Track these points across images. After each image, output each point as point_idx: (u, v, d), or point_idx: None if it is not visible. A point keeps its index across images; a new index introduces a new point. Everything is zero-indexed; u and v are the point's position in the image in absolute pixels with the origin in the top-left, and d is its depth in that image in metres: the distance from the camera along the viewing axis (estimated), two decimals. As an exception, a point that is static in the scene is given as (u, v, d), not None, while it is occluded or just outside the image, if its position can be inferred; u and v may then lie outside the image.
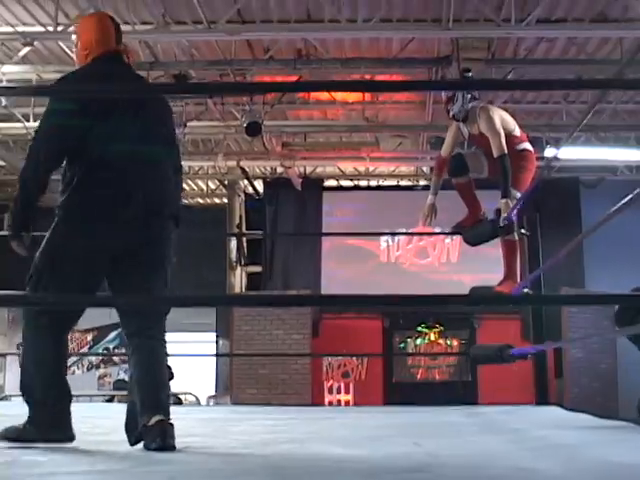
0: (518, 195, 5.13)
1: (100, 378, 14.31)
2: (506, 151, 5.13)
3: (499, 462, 2.52)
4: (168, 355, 3.45)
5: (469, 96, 5.35)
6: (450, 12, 7.92)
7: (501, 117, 5.33)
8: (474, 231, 5.62)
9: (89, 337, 14.48)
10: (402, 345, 13.04)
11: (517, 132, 5.38)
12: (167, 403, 3.16)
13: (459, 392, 12.27)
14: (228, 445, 3.18)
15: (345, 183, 14.36)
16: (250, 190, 13.89)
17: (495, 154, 5.13)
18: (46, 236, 3.26)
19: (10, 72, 9.14)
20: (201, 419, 5.06)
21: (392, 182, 14.27)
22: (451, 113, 5.38)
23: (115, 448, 2.99)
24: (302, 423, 4.45)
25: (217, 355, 13.05)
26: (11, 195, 14.72)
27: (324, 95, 10.46)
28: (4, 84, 9.28)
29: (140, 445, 2.99)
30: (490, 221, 5.38)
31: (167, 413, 3.03)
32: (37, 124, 3.45)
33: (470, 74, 8.69)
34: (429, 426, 4.35)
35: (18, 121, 10.70)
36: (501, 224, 5.16)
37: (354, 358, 12.56)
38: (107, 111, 3.18)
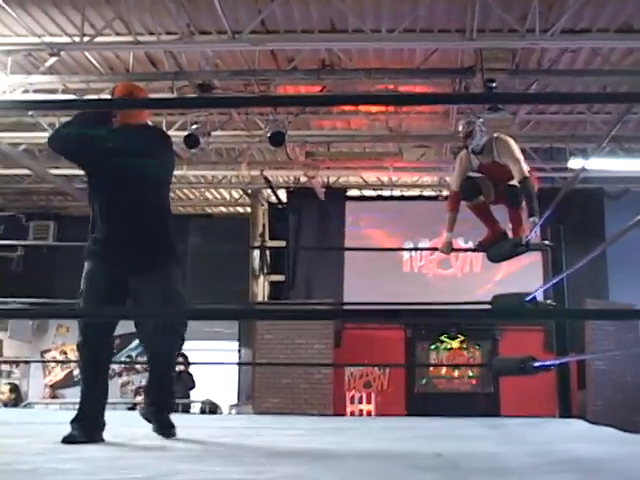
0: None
1: (122, 386, 14.36)
2: (528, 174, 5.50)
3: (522, 476, 2.51)
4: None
5: (484, 129, 5.73)
6: (474, 22, 7.92)
7: (516, 146, 5.71)
8: (497, 249, 5.80)
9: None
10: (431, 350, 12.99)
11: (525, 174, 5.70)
12: None
13: (481, 403, 12.21)
14: (250, 454, 3.18)
15: (368, 193, 14.35)
16: (273, 199, 13.93)
17: (518, 178, 5.49)
18: None
19: (37, 82, 9.22)
20: (223, 427, 5.07)
21: (415, 192, 14.25)
22: (470, 147, 5.70)
23: (136, 456, 3.01)
24: (324, 433, 4.45)
25: (239, 364, 13.06)
26: (37, 204, 14.91)
27: (348, 105, 10.47)
28: (31, 94, 9.37)
29: (163, 453, 3.03)
30: (512, 240, 5.55)
31: None
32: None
33: (494, 85, 8.73)
34: (452, 438, 4.34)
35: (44, 130, 10.80)
36: (524, 242, 5.38)
37: (376, 368, 12.54)
38: None
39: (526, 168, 5.61)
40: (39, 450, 3.17)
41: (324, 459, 3.01)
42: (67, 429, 3.63)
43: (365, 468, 2.70)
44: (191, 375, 11.46)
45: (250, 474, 2.46)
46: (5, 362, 13.49)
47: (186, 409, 11.22)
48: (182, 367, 11.29)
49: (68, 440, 3.57)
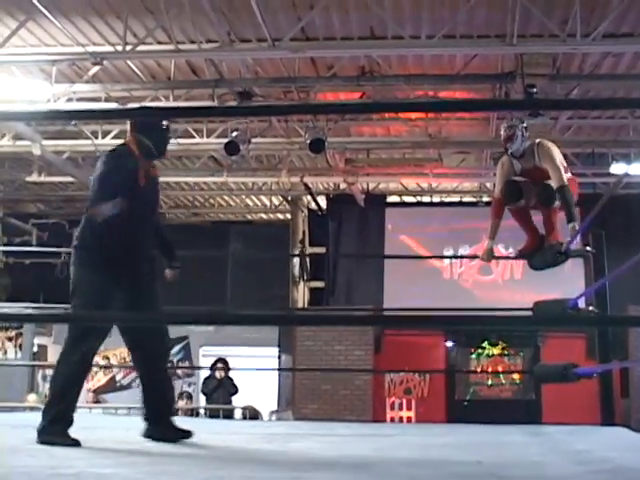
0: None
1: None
2: (566, 183, 5.47)
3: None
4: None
5: (527, 134, 5.68)
6: (514, 28, 7.87)
7: (558, 152, 5.68)
8: (539, 258, 5.78)
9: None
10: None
11: (564, 163, 5.75)
12: None
13: (522, 411, 12.11)
14: (289, 461, 3.19)
15: (408, 199, 14.33)
16: (313, 206, 13.96)
17: (556, 185, 5.46)
18: None
19: (80, 91, 9.34)
20: (264, 433, 5.09)
21: (455, 198, 14.21)
22: (510, 151, 5.62)
23: (180, 462, 3.04)
24: (364, 440, 4.45)
25: (279, 370, 13.09)
26: (80, 211, 15.00)
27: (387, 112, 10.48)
28: (74, 102, 9.50)
29: (204, 459, 3.06)
30: (553, 248, 5.53)
31: None
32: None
33: (534, 90, 8.67)
34: (492, 445, 4.32)
35: (87, 138, 10.95)
36: (563, 250, 5.36)
37: (416, 375, 12.50)
38: None
39: (566, 176, 5.57)
40: (82, 455, 3.21)
41: (363, 467, 3.01)
42: (112, 433, 3.67)
43: (404, 476, 2.70)
44: (232, 380, 11.48)
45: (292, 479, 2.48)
46: (51, 367, 13.61)
47: (228, 415, 11.21)
48: (223, 373, 11.30)
49: (47, 442, 3.66)
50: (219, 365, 11.37)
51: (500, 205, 5.87)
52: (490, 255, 5.93)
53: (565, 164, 5.71)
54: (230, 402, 11.54)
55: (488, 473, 2.74)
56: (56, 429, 3.79)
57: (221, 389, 11.38)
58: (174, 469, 2.80)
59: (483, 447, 4.17)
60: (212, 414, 11.25)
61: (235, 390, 11.43)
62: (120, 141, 10.85)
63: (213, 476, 2.58)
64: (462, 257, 13.18)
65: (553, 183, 5.49)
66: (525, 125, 5.79)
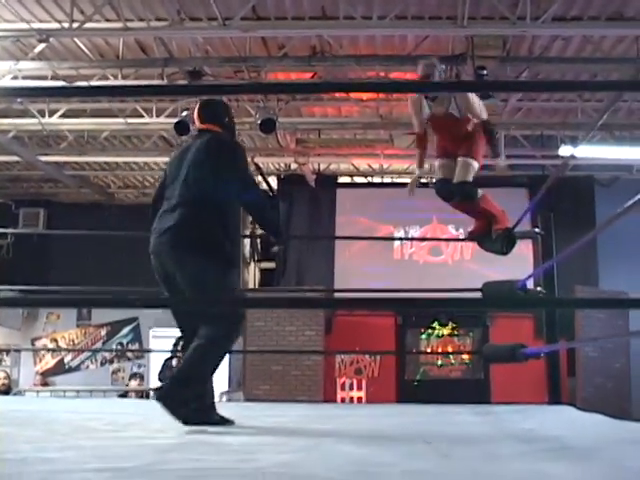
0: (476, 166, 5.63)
1: (114, 373, 14.37)
2: (485, 117, 5.58)
3: (511, 464, 2.52)
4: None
5: (444, 76, 5.68)
6: (465, 10, 7.91)
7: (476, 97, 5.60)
8: (489, 245, 5.91)
9: (103, 332, 14.53)
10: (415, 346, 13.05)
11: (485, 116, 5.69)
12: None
13: (472, 390, 12.26)
14: (242, 442, 3.18)
15: (359, 180, 14.35)
16: (264, 186, 13.87)
17: (477, 119, 5.55)
18: None
19: (26, 68, 9.16)
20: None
21: (406, 179, 14.23)
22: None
23: (129, 444, 3.01)
24: (314, 421, 4.45)
25: (230, 352, 13.06)
26: (27, 190, 14.87)
27: (336, 92, 10.46)
28: (19, 80, 9.32)
29: (154, 441, 3.04)
30: (500, 238, 5.63)
31: None
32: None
33: (485, 72, 8.71)
34: (441, 425, 4.35)
35: (33, 117, 10.75)
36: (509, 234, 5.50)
37: (367, 355, 12.57)
38: None
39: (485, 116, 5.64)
40: (29, 439, 3.17)
41: (314, 448, 3.01)
42: (59, 416, 3.62)
43: (355, 456, 2.70)
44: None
45: (239, 462, 2.46)
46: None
47: None
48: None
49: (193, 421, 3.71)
50: (181, 342, 11.11)
51: (421, 139, 6.00)
52: (413, 186, 5.95)
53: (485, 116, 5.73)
54: None
55: (435, 452, 2.76)
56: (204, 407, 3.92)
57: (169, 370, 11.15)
58: (120, 452, 2.77)
59: (431, 427, 4.20)
60: None
61: None
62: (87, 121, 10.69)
63: (161, 460, 2.56)
64: (412, 239, 13.24)
65: (475, 117, 5.55)
66: (444, 68, 5.73)
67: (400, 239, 13.34)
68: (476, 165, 5.75)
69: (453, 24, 8.21)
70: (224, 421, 3.97)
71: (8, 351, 13.65)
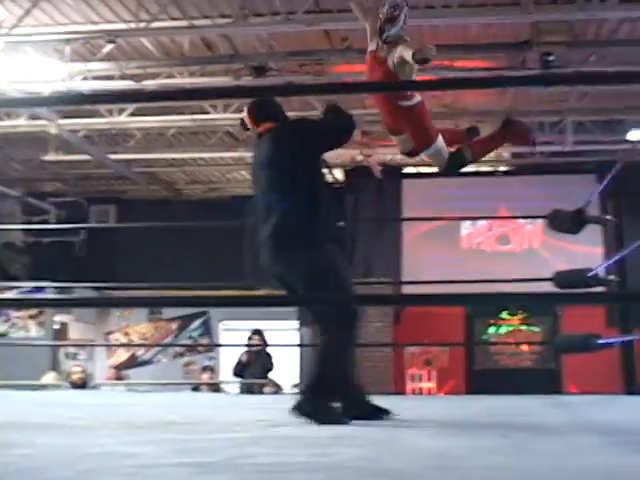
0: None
1: (185, 366, 14.57)
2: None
3: (593, 457, 2.50)
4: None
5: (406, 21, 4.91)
6: (530, -5, 7.81)
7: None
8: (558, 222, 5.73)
9: (174, 326, 14.75)
10: (485, 337, 12.96)
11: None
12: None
13: (543, 380, 12.14)
14: (319, 436, 3.21)
15: (424, 170, 14.27)
16: (330, 179, 13.91)
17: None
18: None
19: (95, 69, 9.34)
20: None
21: (472, 168, 14.12)
22: (386, 34, 4.87)
23: (208, 438, 3.06)
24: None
25: (300, 345, 13.11)
26: (97, 188, 15.16)
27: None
28: (89, 81, 9.51)
29: (233, 435, 3.08)
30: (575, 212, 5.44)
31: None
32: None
33: (551, 58, 8.59)
34: (516, 416, 4.33)
35: (102, 116, 10.96)
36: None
37: (436, 346, 12.53)
38: None
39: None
40: (111, 433, 3.25)
41: (391, 441, 3.03)
42: (137, 410, 3.70)
43: (433, 450, 2.71)
44: (270, 356, 10.86)
45: (318, 457, 2.49)
46: (75, 345, 13.77)
47: (261, 390, 10.56)
48: (260, 346, 10.71)
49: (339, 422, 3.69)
50: (255, 337, 10.82)
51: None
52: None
53: None
54: (265, 378, 10.81)
55: (514, 446, 2.75)
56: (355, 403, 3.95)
57: (256, 363, 10.73)
58: (200, 446, 2.82)
59: (507, 418, 4.18)
60: (248, 390, 10.59)
61: (271, 367, 10.85)
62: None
63: (241, 454, 2.59)
64: (483, 218, 12.97)
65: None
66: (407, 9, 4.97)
67: (471, 219, 13.11)
68: (437, 144, 5.08)
69: (518, 10, 8.11)
70: (381, 412, 3.96)
71: (84, 346, 13.94)
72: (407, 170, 14.05)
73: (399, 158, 13.62)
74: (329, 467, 2.29)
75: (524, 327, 12.92)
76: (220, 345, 14.12)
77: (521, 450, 2.65)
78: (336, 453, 2.58)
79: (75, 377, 10.58)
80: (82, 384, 10.81)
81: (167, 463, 2.37)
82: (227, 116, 10.80)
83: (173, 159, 13.28)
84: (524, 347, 12.80)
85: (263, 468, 2.28)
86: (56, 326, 13.46)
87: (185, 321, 14.68)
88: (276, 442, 2.99)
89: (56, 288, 11.69)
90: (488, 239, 13.40)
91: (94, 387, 11.73)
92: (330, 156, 12.54)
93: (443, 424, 3.88)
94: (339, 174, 13.98)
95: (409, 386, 12.57)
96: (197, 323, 14.58)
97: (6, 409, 4.90)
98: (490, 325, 12.99)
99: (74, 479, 2.02)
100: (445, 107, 10.92)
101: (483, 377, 12.51)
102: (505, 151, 12.96)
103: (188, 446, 2.85)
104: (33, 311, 13.24)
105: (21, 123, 11.04)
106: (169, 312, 14.63)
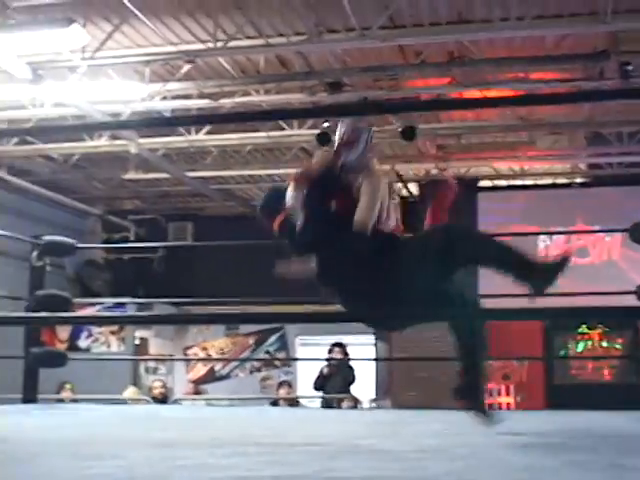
0: None
1: (262, 380, 14.69)
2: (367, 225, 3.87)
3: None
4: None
5: (371, 144, 4.14)
6: (608, 5, 7.70)
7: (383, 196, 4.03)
8: None
9: (251, 341, 14.89)
10: (563, 352, 12.78)
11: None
12: None
13: (624, 395, 11.88)
14: (406, 449, 3.23)
15: (499, 183, 14.18)
16: (405, 193, 13.92)
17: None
18: None
19: (173, 89, 9.54)
20: (374, 422, 5.13)
21: (548, 180, 13.99)
22: (343, 160, 4.02)
23: (294, 451, 3.10)
24: (470, 427, 4.44)
25: (377, 360, 13.13)
26: (175, 205, 15.41)
27: (477, 95, 10.38)
28: (168, 100, 9.72)
29: (319, 448, 3.12)
30: None
31: None
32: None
33: (630, 67, 8.47)
34: (602, 431, 4.27)
35: (180, 135, 11.17)
36: None
37: (514, 361, 12.38)
38: None
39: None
40: (198, 445, 3.31)
41: (478, 455, 3.02)
42: (220, 423, 3.75)
43: (522, 465, 2.70)
44: (352, 369, 10.84)
45: (407, 470, 2.50)
46: (156, 359, 14.04)
47: (340, 405, 10.56)
48: (340, 357, 10.76)
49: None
50: (336, 350, 10.85)
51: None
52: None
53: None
54: (347, 391, 10.76)
55: (609, 462, 2.72)
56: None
57: (337, 376, 10.73)
58: (288, 459, 2.86)
59: (592, 434, 4.12)
60: (327, 404, 10.64)
61: (353, 379, 10.84)
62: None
63: (330, 467, 2.62)
64: (559, 233, 12.81)
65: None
66: (373, 133, 4.23)
67: (543, 233, 12.97)
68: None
69: (595, 20, 8.01)
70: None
71: (164, 360, 14.17)
72: (483, 183, 13.96)
73: (473, 171, 13.59)
74: (420, 480, 2.31)
75: (604, 342, 12.69)
76: (297, 359, 14.20)
77: (614, 467, 2.62)
78: (426, 467, 2.59)
79: (156, 392, 10.77)
80: (163, 399, 10.99)
81: (259, 475, 2.41)
82: (302, 132, 10.91)
83: (249, 176, 13.44)
84: (604, 362, 12.57)
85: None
86: (137, 342, 13.73)
87: (262, 336, 14.80)
88: (364, 456, 3.01)
89: (136, 304, 11.93)
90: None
91: (175, 402, 11.91)
92: (404, 169, 12.61)
93: (529, 438, 3.86)
94: (414, 188, 13.96)
95: (487, 401, 12.42)
96: (274, 338, 14.70)
97: (94, 423, 5.02)
98: (569, 340, 12.79)
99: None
100: (520, 119, 10.83)
101: (562, 392, 12.30)
102: (581, 162, 12.81)
103: (277, 459, 2.89)
104: (114, 327, 13.53)
105: (102, 143, 11.32)
106: (246, 327, 14.77)
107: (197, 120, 9.45)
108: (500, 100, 8.37)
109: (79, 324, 11.66)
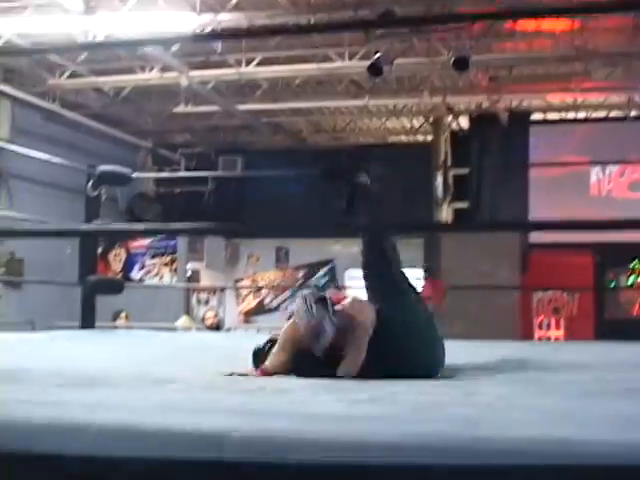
0: None
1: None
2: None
3: None
4: None
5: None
6: None
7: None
8: None
9: (300, 274, 15.03)
10: (613, 284, 12.71)
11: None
12: None
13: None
14: (461, 377, 3.27)
15: (552, 116, 13.97)
16: (455, 126, 13.81)
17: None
18: None
19: (224, 20, 9.49)
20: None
21: (602, 113, 13.74)
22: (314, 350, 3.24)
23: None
24: (519, 355, 4.47)
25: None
26: (224, 139, 15.47)
27: (530, 26, 10.19)
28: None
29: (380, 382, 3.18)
30: None
31: None
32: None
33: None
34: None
35: (231, 66, 11.14)
36: None
37: (565, 294, 12.36)
38: None
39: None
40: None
41: (528, 382, 3.06)
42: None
43: (579, 388, 2.73)
44: None
45: (465, 396, 2.54)
46: (203, 290, 14.27)
47: None
48: None
49: None
50: None
51: None
52: None
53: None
54: None
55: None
56: None
57: None
58: (341, 386, 2.91)
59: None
60: None
61: None
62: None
63: (387, 392, 2.65)
64: (614, 162, 12.61)
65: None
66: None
67: (598, 162, 12.75)
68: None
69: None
70: None
71: (214, 291, 14.40)
72: (535, 116, 13.77)
73: (526, 104, 13.40)
74: (475, 404, 2.36)
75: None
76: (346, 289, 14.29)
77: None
78: (481, 393, 2.64)
79: (209, 321, 10.96)
80: (216, 327, 11.17)
81: (319, 400, 2.47)
82: (353, 64, 10.81)
83: (298, 108, 13.41)
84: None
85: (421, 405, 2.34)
86: (188, 273, 13.94)
87: (311, 269, 14.93)
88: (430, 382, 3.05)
89: (187, 236, 12.07)
90: (619, 186, 13.04)
91: (228, 330, 12.11)
92: (455, 102, 12.46)
93: (571, 365, 3.88)
94: (464, 121, 13.84)
95: (537, 334, 12.48)
96: (323, 271, 14.81)
97: (154, 347, 5.14)
98: (619, 274, 12.71)
99: (234, 407, 2.15)
100: (575, 49, 10.60)
101: (612, 326, 12.28)
102: (637, 94, 12.55)
103: (332, 386, 2.94)
104: (167, 259, 13.74)
105: (153, 76, 11.33)
106: (295, 260, 14.91)
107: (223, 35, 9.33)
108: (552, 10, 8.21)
109: (125, 237, 11.91)
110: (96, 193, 6.63)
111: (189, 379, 2.87)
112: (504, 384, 2.85)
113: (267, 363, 3.25)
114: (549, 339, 12.42)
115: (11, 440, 1.62)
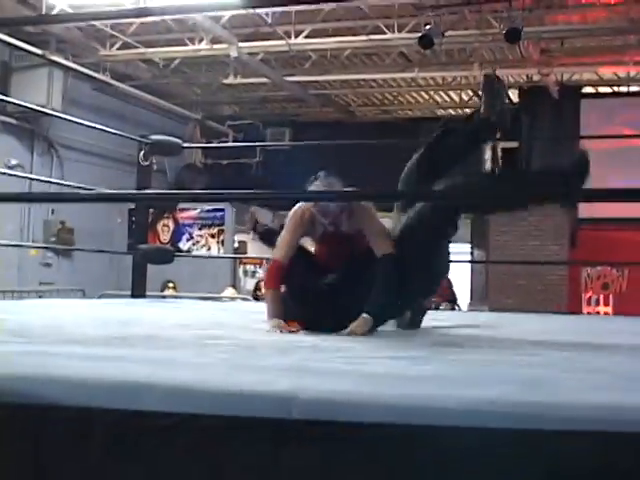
0: None
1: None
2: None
3: None
4: None
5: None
6: None
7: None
8: None
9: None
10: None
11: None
12: None
13: None
14: (516, 342, 3.28)
15: (603, 89, 13.75)
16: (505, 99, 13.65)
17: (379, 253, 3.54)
18: None
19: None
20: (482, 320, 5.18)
21: (656, 87, 13.50)
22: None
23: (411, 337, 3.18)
24: (570, 326, 4.46)
25: (472, 262, 13.11)
26: (272, 111, 15.50)
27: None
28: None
29: (441, 331, 3.19)
30: None
31: None
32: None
33: None
34: None
35: (280, 38, 11.13)
36: None
37: (614, 270, 12.23)
38: None
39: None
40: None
41: (585, 347, 3.06)
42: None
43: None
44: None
45: (524, 359, 2.55)
46: (251, 261, 14.35)
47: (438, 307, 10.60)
48: None
49: None
50: None
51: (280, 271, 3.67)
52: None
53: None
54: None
55: None
56: None
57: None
58: (398, 345, 2.93)
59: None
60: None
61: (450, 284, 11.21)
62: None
63: (418, 355, 2.66)
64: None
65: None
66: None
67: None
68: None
69: None
70: None
71: (261, 263, 14.47)
72: (586, 90, 13.57)
73: (577, 77, 13.22)
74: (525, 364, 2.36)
75: None
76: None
77: None
78: (539, 354, 2.64)
79: (259, 292, 11.07)
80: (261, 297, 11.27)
81: (379, 356, 2.50)
82: (402, 36, 10.73)
83: (347, 81, 13.37)
84: None
85: (469, 364, 2.37)
86: (235, 245, 14.03)
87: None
88: (485, 342, 3.08)
89: (234, 206, 12.14)
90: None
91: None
92: (505, 75, 12.30)
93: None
94: (514, 94, 13.67)
95: (585, 310, 12.37)
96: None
97: (206, 313, 5.21)
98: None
99: (297, 366, 2.18)
100: (630, 21, 10.41)
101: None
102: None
103: (391, 344, 2.96)
104: (214, 230, 13.85)
105: (202, 47, 11.37)
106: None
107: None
108: None
109: (173, 200, 12.16)
110: (147, 163, 6.69)
111: (248, 339, 2.90)
112: (565, 349, 2.85)
113: (277, 256, 3.65)
114: (598, 314, 12.32)
115: (81, 396, 1.65)
